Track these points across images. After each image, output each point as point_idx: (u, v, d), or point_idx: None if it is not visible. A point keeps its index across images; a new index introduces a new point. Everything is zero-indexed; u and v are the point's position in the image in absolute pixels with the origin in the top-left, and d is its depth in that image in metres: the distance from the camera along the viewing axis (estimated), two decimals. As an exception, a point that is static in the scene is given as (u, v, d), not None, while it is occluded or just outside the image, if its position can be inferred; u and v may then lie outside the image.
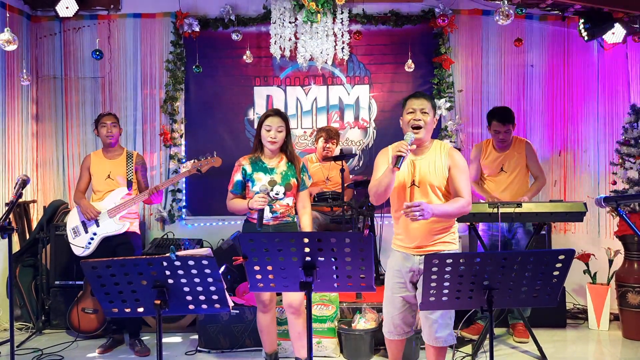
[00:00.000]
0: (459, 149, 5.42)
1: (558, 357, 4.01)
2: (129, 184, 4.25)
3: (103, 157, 4.34)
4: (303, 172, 3.51)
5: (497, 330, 4.57)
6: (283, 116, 3.47)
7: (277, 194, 3.40)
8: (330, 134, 4.97)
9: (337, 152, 4.98)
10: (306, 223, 3.51)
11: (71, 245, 4.21)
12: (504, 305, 2.43)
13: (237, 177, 3.49)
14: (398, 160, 2.73)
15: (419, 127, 2.87)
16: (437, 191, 2.90)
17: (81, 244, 4.17)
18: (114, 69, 5.51)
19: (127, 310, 2.35)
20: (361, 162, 5.52)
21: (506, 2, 3.95)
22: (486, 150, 4.55)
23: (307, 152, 5.36)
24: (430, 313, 2.87)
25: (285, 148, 3.50)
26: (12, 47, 3.99)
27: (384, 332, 3.10)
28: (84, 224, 4.20)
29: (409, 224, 2.89)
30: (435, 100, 5.35)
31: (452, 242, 2.96)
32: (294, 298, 3.39)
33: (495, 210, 3.73)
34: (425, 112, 2.89)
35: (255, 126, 5.40)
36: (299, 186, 3.48)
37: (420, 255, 2.84)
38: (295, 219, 3.55)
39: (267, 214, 3.38)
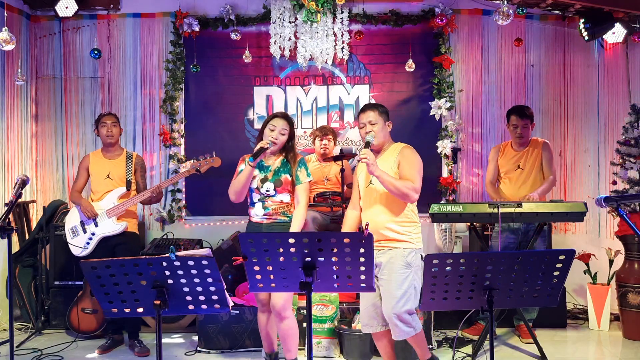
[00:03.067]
0: (459, 149, 5.41)
1: (558, 357, 4.00)
2: (128, 184, 4.25)
3: (102, 157, 4.34)
4: (300, 167, 3.47)
5: (498, 331, 4.57)
6: (289, 120, 3.52)
7: (267, 190, 3.43)
8: (324, 131, 4.96)
9: (337, 151, 4.96)
10: (297, 217, 3.41)
11: (69, 245, 4.20)
12: (504, 305, 2.43)
13: (242, 167, 3.52)
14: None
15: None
16: None
17: (79, 244, 4.17)
18: (113, 69, 5.51)
19: (127, 310, 2.35)
20: (361, 162, 5.50)
21: (506, 1, 3.95)
22: (504, 150, 4.60)
23: (307, 152, 5.35)
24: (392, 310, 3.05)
25: (287, 153, 3.51)
26: (9, 47, 3.97)
27: (361, 327, 3.32)
28: (82, 224, 4.19)
29: (363, 221, 3.20)
30: (437, 102, 5.35)
31: (410, 241, 3.18)
32: (275, 301, 3.34)
33: (495, 210, 3.72)
34: (373, 123, 3.21)
35: (256, 126, 5.45)
36: (294, 181, 3.47)
37: (378, 250, 3.13)
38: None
39: (260, 211, 3.43)
